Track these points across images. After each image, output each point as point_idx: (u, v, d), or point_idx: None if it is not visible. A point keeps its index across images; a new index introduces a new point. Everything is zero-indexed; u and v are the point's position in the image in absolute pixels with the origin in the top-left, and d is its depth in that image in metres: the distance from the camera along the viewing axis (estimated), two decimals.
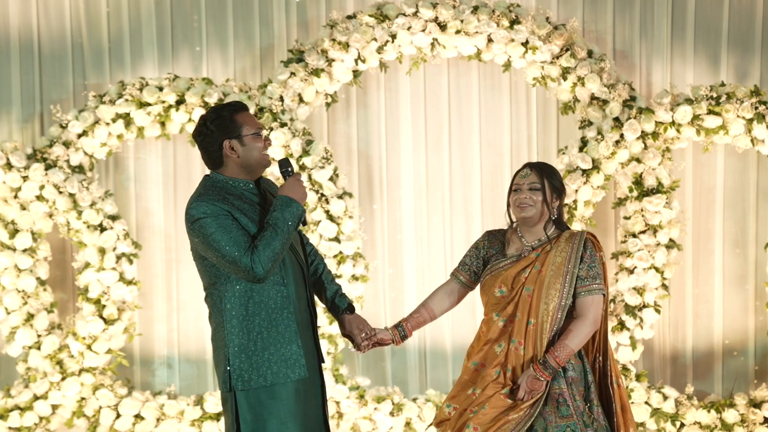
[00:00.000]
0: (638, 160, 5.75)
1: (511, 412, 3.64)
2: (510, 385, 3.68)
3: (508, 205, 3.84)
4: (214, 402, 5.87)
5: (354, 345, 3.86)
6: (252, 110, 5.77)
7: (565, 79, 5.75)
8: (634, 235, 5.78)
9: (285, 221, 3.45)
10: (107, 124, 5.87)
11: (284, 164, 3.65)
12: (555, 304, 3.68)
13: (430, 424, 3.93)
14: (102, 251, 5.87)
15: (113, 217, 5.94)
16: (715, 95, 5.71)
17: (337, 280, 5.78)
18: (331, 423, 5.81)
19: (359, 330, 3.82)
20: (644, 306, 5.79)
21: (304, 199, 3.55)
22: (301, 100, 5.85)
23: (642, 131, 5.71)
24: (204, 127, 3.56)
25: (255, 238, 3.44)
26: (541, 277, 3.71)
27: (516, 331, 3.71)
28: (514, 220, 3.86)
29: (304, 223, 3.62)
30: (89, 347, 5.89)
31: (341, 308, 3.84)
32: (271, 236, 3.42)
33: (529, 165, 3.84)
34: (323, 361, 3.74)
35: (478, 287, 3.95)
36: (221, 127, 3.53)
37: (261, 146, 3.58)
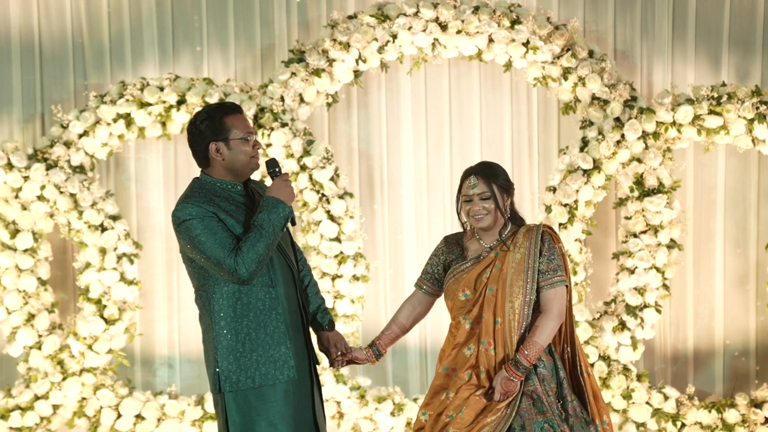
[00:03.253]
0: (639, 160, 5.75)
1: (488, 414, 3.63)
2: (484, 387, 3.67)
3: (459, 211, 3.83)
4: None
5: (329, 361, 3.86)
6: (253, 110, 5.77)
7: (566, 79, 5.75)
8: (635, 235, 5.78)
9: (271, 222, 3.44)
10: (108, 124, 5.87)
11: (272, 165, 3.62)
12: (520, 301, 3.68)
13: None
14: (103, 251, 5.88)
15: (114, 217, 5.94)
16: (716, 95, 5.71)
17: (338, 281, 5.79)
18: (332, 423, 5.80)
19: (335, 348, 3.81)
20: (645, 306, 5.79)
21: (292, 199, 3.53)
22: (301, 100, 5.85)
23: (643, 131, 5.71)
24: (194, 127, 3.56)
25: (241, 240, 3.44)
26: (503, 275, 3.70)
27: (484, 331, 3.71)
28: (467, 226, 3.86)
29: (293, 223, 3.61)
30: (90, 347, 5.89)
31: (321, 324, 3.82)
32: (256, 238, 3.42)
33: (473, 172, 3.80)
34: (318, 363, 3.73)
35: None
36: (210, 128, 3.53)
37: (248, 150, 3.55)
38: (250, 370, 3.47)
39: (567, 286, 3.74)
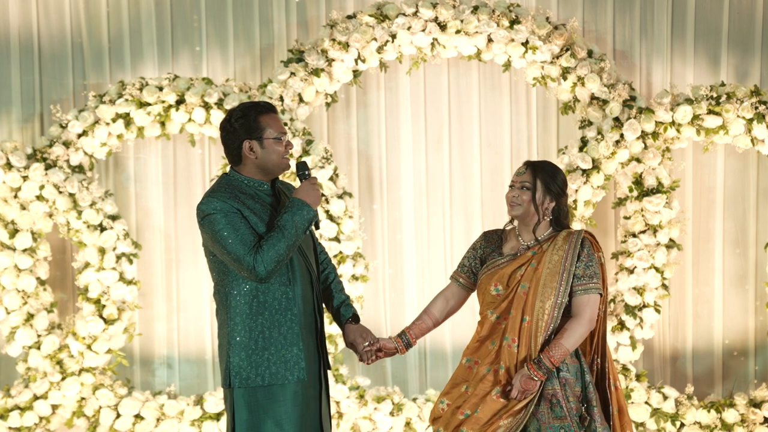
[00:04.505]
0: (638, 160, 5.75)
1: (504, 415, 3.62)
2: (501, 382, 3.66)
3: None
4: (213, 402, 5.87)
5: (357, 354, 3.85)
6: None
7: (565, 79, 5.75)
8: (634, 235, 5.78)
9: (294, 224, 3.47)
10: (107, 124, 5.87)
11: (302, 167, 3.66)
12: (551, 302, 3.65)
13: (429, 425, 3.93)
14: (102, 251, 5.87)
15: (113, 217, 5.94)
16: (715, 95, 5.71)
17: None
18: (332, 423, 5.80)
19: (362, 339, 3.81)
20: (644, 306, 5.79)
21: (318, 203, 3.56)
22: (301, 99, 5.85)
23: (642, 131, 5.71)
24: (228, 124, 3.59)
25: (263, 238, 3.46)
26: (537, 274, 3.68)
27: (510, 328, 3.69)
28: (509, 224, 3.88)
29: (317, 227, 3.64)
30: (89, 347, 5.89)
31: (346, 317, 3.84)
32: (278, 238, 3.44)
33: (528, 163, 3.82)
34: (329, 367, 3.73)
35: None
36: (244, 126, 3.56)
37: (281, 150, 3.59)
38: (261, 368, 3.49)
39: (601, 294, 3.71)
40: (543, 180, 3.75)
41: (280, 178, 3.72)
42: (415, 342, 3.93)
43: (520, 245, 3.79)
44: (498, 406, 3.65)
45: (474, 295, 3.98)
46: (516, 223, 3.84)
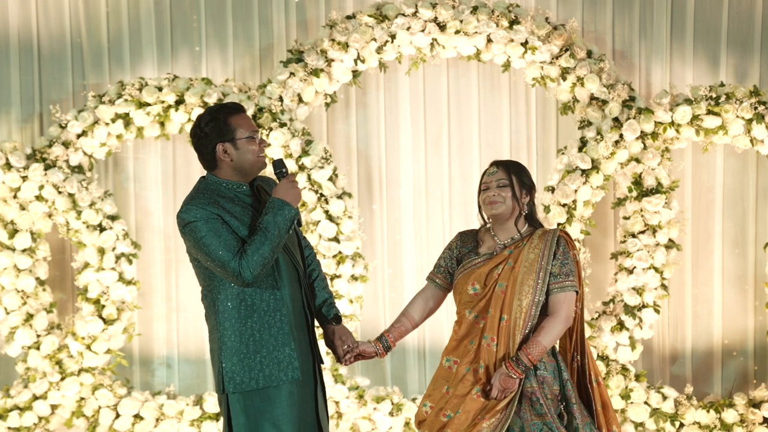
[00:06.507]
0: (638, 160, 5.76)
1: (486, 416, 3.63)
2: (481, 381, 3.67)
3: (479, 206, 3.85)
4: (213, 402, 5.87)
5: (336, 356, 3.84)
6: (251, 110, 5.77)
7: (564, 79, 5.75)
8: (633, 235, 5.79)
9: (276, 225, 3.44)
10: (106, 124, 5.87)
11: (279, 165, 3.63)
12: (528, 301, 3.67)
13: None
14: (101, 251, 5.87)
15: (112, 217, 5.94)
16: (714, 95, 5.72)
17: (337, 281, 5.78)
18: (331, 423, 5.80)
19: (341, 341, 3.79)
20: (644, 306, 5.79)
21: (298, 200, 3.53)
22: (300, 100, 5.85)
23: (641, 131, 5.71)
24: (198, 129, 3.55)
25: (246, 242, 3.44)
26: (514, 273, 3.71)
27: (488, 327, 3.70)
28: (487, 219, 3.87)
29: (299, 224, 3.62)
30: (88, 347, 5.88)
31: (327, 318, 3.81)
32: (261, 240, 3.41)
33: (496, 163, 3.86)
34: (322, 362, 3.73)
35: None
36: (215, 130, 3.52)
37: (255, 149, 3.56)
38: (254, 371, 3.48)
39: (577, 292, 3.74)
40: (516, 174, 3.81)
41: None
42: (395, 345, 3.93)
43: (497, 245, 3.81)
44: (479, 405, 3.66)
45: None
46: (490, 223, 3.85)
